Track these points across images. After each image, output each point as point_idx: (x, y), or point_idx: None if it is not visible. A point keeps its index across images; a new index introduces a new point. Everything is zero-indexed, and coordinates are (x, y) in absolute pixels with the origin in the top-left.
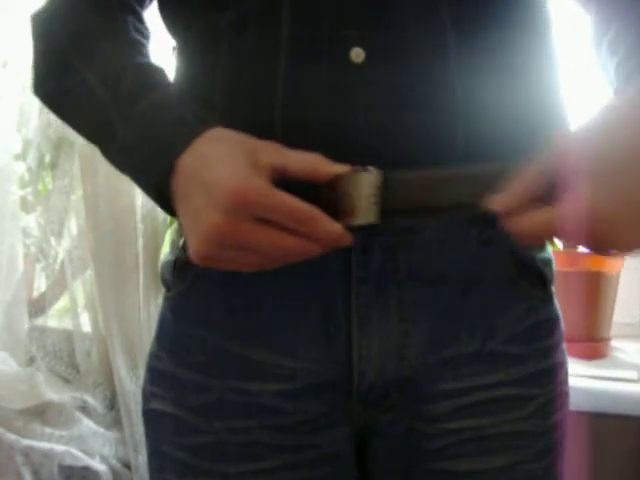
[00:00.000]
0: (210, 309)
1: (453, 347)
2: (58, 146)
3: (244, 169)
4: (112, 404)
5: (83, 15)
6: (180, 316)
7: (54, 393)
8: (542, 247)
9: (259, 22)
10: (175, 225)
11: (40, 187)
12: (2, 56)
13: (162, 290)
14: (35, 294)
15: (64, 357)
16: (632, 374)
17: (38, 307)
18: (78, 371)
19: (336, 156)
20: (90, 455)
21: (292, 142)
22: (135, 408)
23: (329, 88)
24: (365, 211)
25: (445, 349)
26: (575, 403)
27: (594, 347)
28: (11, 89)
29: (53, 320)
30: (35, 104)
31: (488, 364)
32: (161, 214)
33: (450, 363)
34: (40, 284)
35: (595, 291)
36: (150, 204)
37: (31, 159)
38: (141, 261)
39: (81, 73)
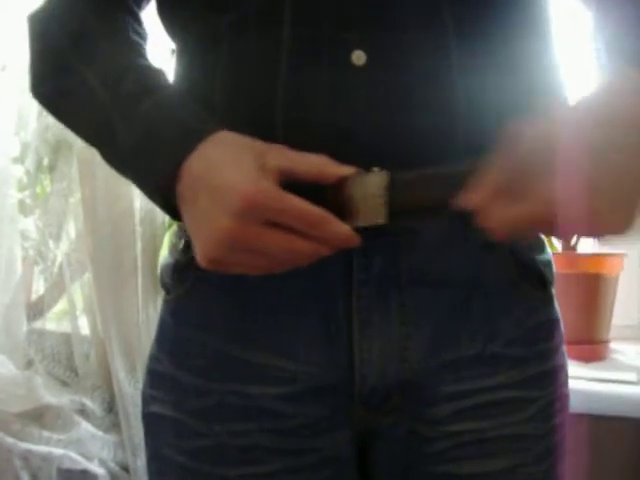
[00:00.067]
0: (210, 312)
1: (454, 350)
2: (56, 149)
3: (253, 172)
4: (111, 407)
5: (81, 15)
6: (180, 319)
7: (52, 396)
8: (542, 248)
9: (259, 24)
10: (174, 228)
11: (38, 190)
12: (1, 59)
13: (161, 293)
14: (33, 297)
15: (62, 360)
16: (631, 376)
17: (36, 310)
18: (76, 374)
19: (337, 157)
20: (89, 458)
21: (293, 143)
22: (134, 411)
23: (330, 90)
24: (373, 212)
25: (446, 352)
26: (574, 405)
27: (593, 349)
28: (10, 92)
29: (51, 323)
30: (34, 107)
31: (489, 367)
32: (160, 217)
33: (451, 366)
34: (38, 287)
35: (594, 293)
36: (149, 207)
37: (29, 162)
38: (139, 264)
39: (81, 73)
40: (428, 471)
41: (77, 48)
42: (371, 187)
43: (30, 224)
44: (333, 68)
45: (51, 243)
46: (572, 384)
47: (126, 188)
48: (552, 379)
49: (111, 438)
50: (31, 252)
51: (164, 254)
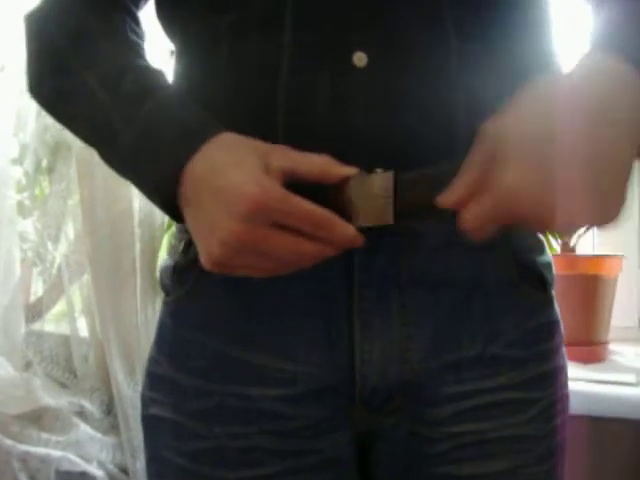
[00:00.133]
0: (210, 313)
1: (455, 351)
2: (55, 150)
3: (257, 174)
4: (109, 409)
5: (79, 14)
6: (180, 321)
7: (51, 398)
8: (542, 250)
9: (260, 25)
10: (173, 229)
11: (37, 191)
12: None
13: (160, 295)
14: (32, 299)
15: (61, 362)
16: (630, 377)
17: (35, 312)
18: (75, 376)
19: (338, 158)
20: (87, 460)
21: (294, 145)
22: (132, 413)
23: (331, 91)
24: (379, 212)
25: (447, 353)
26: (573, 407)
27: (592, 351)
28: (8, 93)
29: (50, 325)
30: (32, 108)
31: (490, 368)
32: (159, 219)
33: (452, 367)
34: (37, 289)
35: (593, 295)
36: (148, 208)
37: (28, 163)
38: (138, 265)
39: (80, 74)
40: (429, 472)
41: (76, 48)
42: (375, 187)
43: (29, 225)
44: (334, 69)
45: (50, 244)
46: (571, 385)
47: (125, 189)
48: (553, 380)
49: (110, 440)
50: (30, 254)
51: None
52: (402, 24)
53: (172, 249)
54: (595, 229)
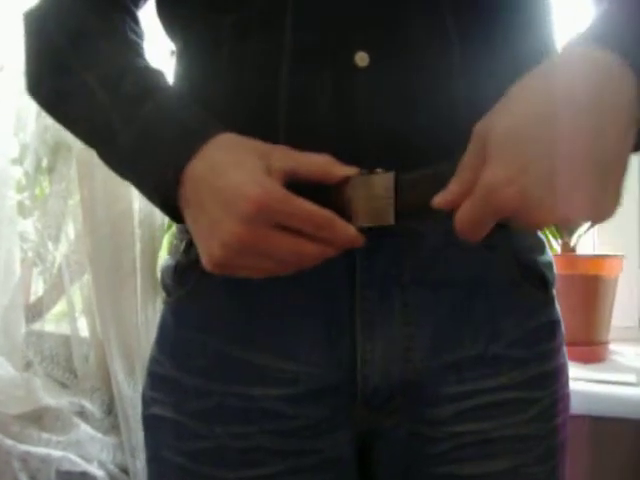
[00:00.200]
0: (211, 313)
1: (456, 351)
2: (55, 150)
3: (259, 175)
4: (110, 409)
5: (79, 13)
6: (181, 321)
7: (51, 398)
8: (542, 249)
9: (261, 25)
10: (174, 229)
11: (37, 191)
12: None
13: (160, 294)
14: (32, 299)
15: (61, 362)
16: (631, 377)
17: (35, 312)
18: (75, 376)
19: (340, 158)
20: (88, 460)
21: (295, 145)
22: (133, 413)
23: (333, 91)
24: (379, 213)
25: (448, 353)
26: (574, 406)
27: (592, 351)
28: (8, 93)
29: (50, 325)
30: (32, 108)
31: (491, 368)
32: (159, 219)
33: (453, 367)
34: (37, 289)
35: (593, 295)
36: (148, 209)
37: (28, 163)
38: (138, 265)
39: (80, 74)
40: (429, 472)
41: (75, 47)
42: (376, 188)
43: (29, 225)
44: (336, 69)
45: (50, 244)
46: (571, 385)
47: (125, 189)
48: (554, 380)
49: (110, 440)
50: (30, 254)
51: (163, 256)
52: (404, 24)
53: (173, 249)
54: (595, 229)
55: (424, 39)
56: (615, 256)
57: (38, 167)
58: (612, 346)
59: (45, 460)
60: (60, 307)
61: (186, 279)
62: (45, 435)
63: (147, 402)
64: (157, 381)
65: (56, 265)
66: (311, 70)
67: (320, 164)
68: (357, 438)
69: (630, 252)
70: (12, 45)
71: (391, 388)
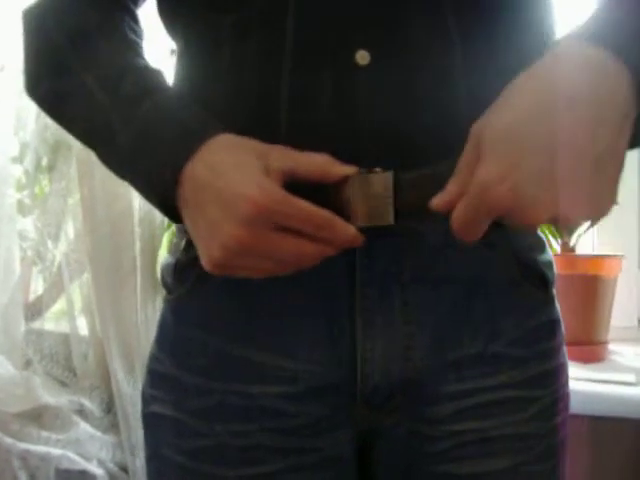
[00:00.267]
0: (211, 311)
1: (456, 349)
2: (55, 149)
3: (258, 176)
4: (109, 407)
5: (78, 12)
6: (181, 319)
7: (51, 396)
8: (543, 249)
9: (262, 24)
10: (174, 228)
11: (37, 190)
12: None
13: (160, 293)
14: (32, 297)
15: (61, 360)
16: (630, 377)
17: (35, 310)
18: (75, 374)
19: (340, 157)
20: (87, 459)
21: (297, 143)
22: (132, 411)
23: (334, 89)
24: (380, 212)
25: (448, 351)
26: (573, 406)
27: (592, 350)
28: (8, 92)
29: (50, 323)
30: (32, 107)
31: (491, 366)
32: (159, 217)
33: (453, 365)
34: (37, 287)
35: (593, 295)
36: (147, 207)
37: (28, 162)
38: (138, 264)
39: (79, 75)
40: (430, 471)
41: (74, 47)
42: (375, 187)
43: (29, 224)
44: (337, 68)
45: (50, 243)
46: (571, 385)
47: (125, 188)
48: (554, 379)
49: (110, 438)
50: (29, 252)
51: (163, 254)
52: (404, 24)
53: (173, 247)
54: (595, 229)
55: (425, 39)
56: (614, 256)
57: (38, 166)
58: (611, 346)
59: (44, 458)
60: (60, 305)
61: (186, 277)
62: (44, 433)
63: (147, 400)
64: (157, 379)
65: (56, 264)
66: (312, 69)
67: (318, 163)
68: (357, 437)
69: (629, 252)
70: (12, 44)
71: (391, 386)
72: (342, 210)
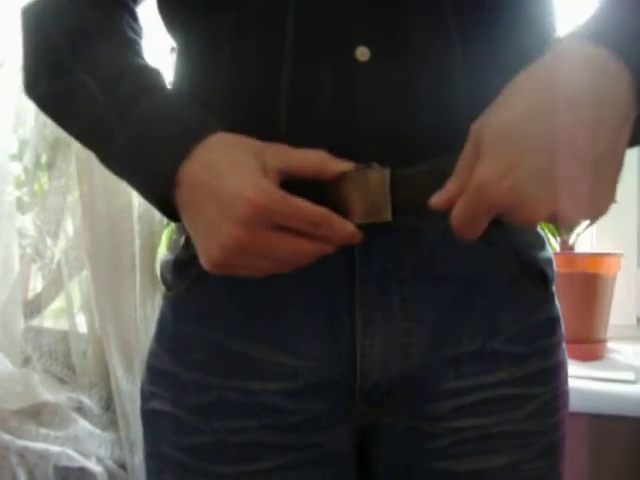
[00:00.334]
0: (211, 308)
1: (455, 346)
2: (55, 146)
3: (255, 176)
4: (108, 405)
5: (78, 10)
6: (180, 315)
7: (50, 394)
8: (542, 246)
9: (261, 22)
10: (173, 226)
11: (36, 187)
12: None
13: (159, 290)
14: (31, 294)
15: (60, 358)
16: (629, 375)
17: (34, 307)
18: (74, 372)
19: (340, 153)
20: (86, 456)
21: (296, 140)
22: (131, 409)
23: (334, 86)
24: (376, 209)
25: (447, 348)
26: (572, 404)
27: (590, 349)
28: (8, 89)
29: (49, 320)
30: (32, 104)
31: (490, 363)
32: (158, 215)
33: (452, 362)
34: (36, 284)
35: (591, 293)
36: (147, 205)
37: (27, 159)
38: (138, 262)
39: (78, 75)
40: (429, 467)
41: (73, 46)
42: (372, 183)
43: (28, 221)
44: (337, 64)
45: (49, 240)
46: (569, 383)
47: (124, 186)
48: (554, 376)
49: (108, 436)
50: (29, 250)
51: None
52: (404, 24)
53: (173, 244)
54: (594, 227)
55: (425, 39)
56: (613, 254)
57: (37, 163)
58: (610, 344)
59: (43, 455)
60: (59, 303)
61: (185, 274)
62: (43, 430)
63: (146, 397)
64: (156, 376)
65: (55, 261)
66: (312, 67)
67: (315, 160)
68: (356, 433)
69: (628, 250)
70: (12, 41)
71: (390, 383)
72: (340, 206)
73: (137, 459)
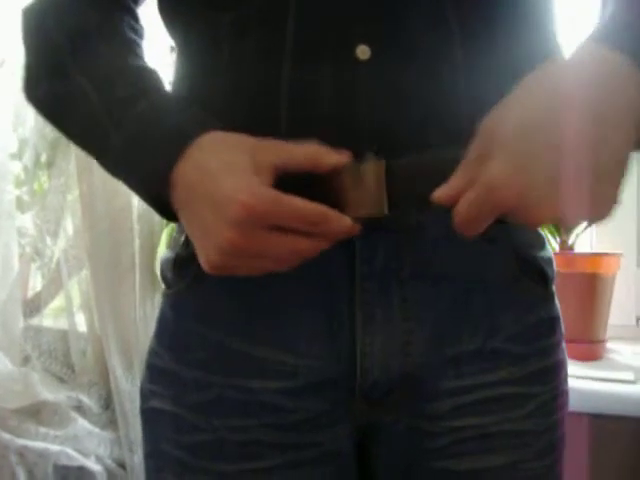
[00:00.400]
0: (211, 306)
1: (455, 345)
2: (54, 145)
3: (249, 177)
4: (107, 404)
5: (78, 11)
6: (180, 313)
7: (49, 393)
8: (542, 245)
9: (261, 21)
10: (173, 225)
11: (36, 186)
12: None
13: (158, 290)
14: (30, 293)
15: (59, 357)
16: (629, 375)
17: (33, 306)
18: (73, 371)
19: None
20: (85, 455)
21: (297, 138)
22: (130, 408)
23: (334, 84)
24: (372, 202)
25: (447, 347)
26: (571, 404)
27: (590, 349)
28: (8, 88)
29: (48, 319)
30: None
31: (490, 362)
32: (157, 214)
33: (452, 361)
34: (35, 283)
35: (591, 293)
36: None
37: (27, 158)
38: (137, 261)
39: (77, 77)
40: (429, 467)
41: (73, 47)
42: (367, 176)
43: (27, 220)
44: (337, 62)
45: (48, 239)
46: (569, 383)
47: (124, 185)
48: (554, 375)
49: (108, 435)
50: (28, 249)
51: (162, 251)
52: (405, 21)
53: (173, 242)
54: (593, 227)
55: (426, 36)
56: (613, 254)
57: (37, 162)
58: (609, 344)
59: (42, 454)
60: (58, 302)
61: (185, 272)
62: (43, 429)
63: (146, 395)
64: (156, 374)
65: (54, 260)
66: (312, 66)
67: (309, 154)
68: (356, 432)
69: (628, 250)
70: (12, 41)
71: (390, 382)
72: (336, 200)
73: (136, 458)
